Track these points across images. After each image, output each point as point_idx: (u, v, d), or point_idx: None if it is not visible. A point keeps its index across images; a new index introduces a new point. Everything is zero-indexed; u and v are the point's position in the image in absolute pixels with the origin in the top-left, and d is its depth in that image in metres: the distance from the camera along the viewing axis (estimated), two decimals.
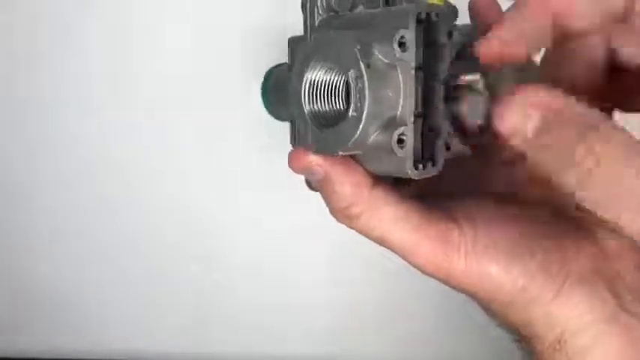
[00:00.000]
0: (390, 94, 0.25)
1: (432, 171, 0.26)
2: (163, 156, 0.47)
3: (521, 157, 0.30)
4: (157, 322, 0.49)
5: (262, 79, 0.37)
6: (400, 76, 0.25)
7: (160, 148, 0.47)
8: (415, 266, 0.28)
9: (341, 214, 0.28)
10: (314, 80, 0.28)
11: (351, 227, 0.29)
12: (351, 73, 0.25)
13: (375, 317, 0.45)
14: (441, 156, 0.26)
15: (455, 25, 0.27)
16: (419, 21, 0.25)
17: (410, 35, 0.24)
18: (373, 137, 0.26)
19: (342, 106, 0.27)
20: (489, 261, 0.27)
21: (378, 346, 0.46)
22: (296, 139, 0.32)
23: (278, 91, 0.36)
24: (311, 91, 0.28)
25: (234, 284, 0.48)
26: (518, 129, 0.21)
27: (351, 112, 0.25)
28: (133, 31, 0.45)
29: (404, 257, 0.28)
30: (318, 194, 0.29)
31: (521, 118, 0.21)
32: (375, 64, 0.25)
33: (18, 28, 0.45)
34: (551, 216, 0.29)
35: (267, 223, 0.47)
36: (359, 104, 0.25)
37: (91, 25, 0.45)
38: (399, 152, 0.25)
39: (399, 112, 0.25)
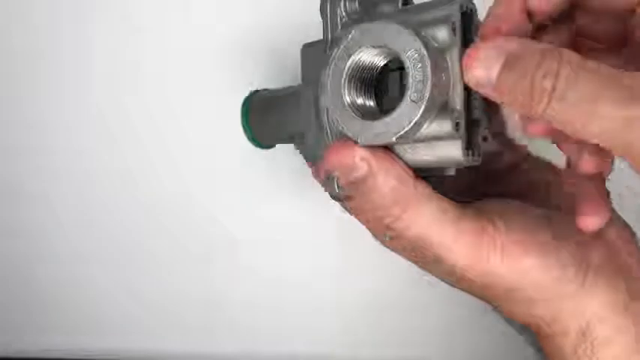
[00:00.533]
0: (444, 78, 0.24)
1: (476, 161, 0.26)
2: (163, 156, 0.47)
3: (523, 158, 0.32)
4: (156, 322, 0.48)
5: (242, 108, 0.35)
6: (449, 60, 0.25)
7: (159, 149, 0.47)
8: (449, 265, 0.27)
9: (381, 215, 0.27)
10: (360, 67, 0.27)
11: (388, 231, 0.27)
12: (410, 55, 0.24)
13: (375, 317, 0.45)
14: (481, 147, 0.26)
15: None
16: (461, 10, 0.25)
17: (458, 20, 0.25)
18: (428, 124, 0.25)
19: (395, 93, 0.27)
20: (525, 254, 0.27)
21: (379, 345, 0.45)
22: (309, 152, 0.30)
23: (267, 113, 0.34)
24: (354, 79, 0.27)
25: (234, 284, 0.47)
26: (484, 75, 0.23)
27: (409, 96, 0.24)
28: (134, 30, 0.46)
29: (439, 255, 0.27)
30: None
31: (485, 63, 0.23)
32: (431, 47, 0.24)
33: (15, 28, 0.45)
34: (558, 214, 0.29)
35: (267, 223, 0.46)
36: (420, 86, 0.24)
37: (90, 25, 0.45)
38: (454, 137, 0.25)
39: (450, 98, 0.25)
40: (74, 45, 0.45)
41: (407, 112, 0.24)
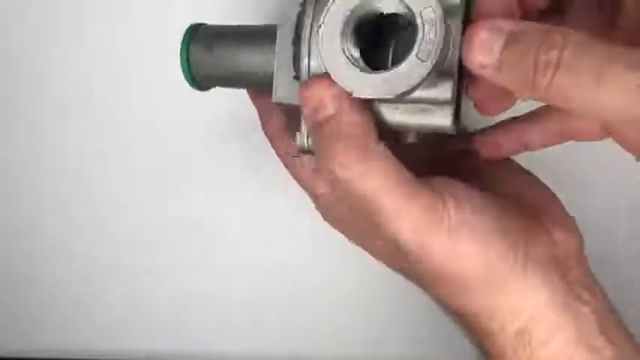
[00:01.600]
0: (447, 43, 0.24)
1: (456, 131, 0.26)
2: (161, 157, 0.46)
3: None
4: (156, 322, 0.48)
5: (183, 43, 0.32)
6: (452, 25, 0.25)
7: (158, 149, 0.46)
8: (390, 235, 0.27)
9: (335, 162, 0.26)
10: (360, 15, 0.25)
11: (341, 177, 0.26)
12: (425, 12, 0.24)
13: (374, 316, 0.45)
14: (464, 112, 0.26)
15: None
16: None
17: None
18: (421, 88, 0.24)
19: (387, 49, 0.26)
20: (470, 237, 0.27)
21: (379, 345, 0.45)
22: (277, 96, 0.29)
23: (226, 51, 0.32)
24: (352, 28, 0.25)
25: (234, 284, 0.46)
26: (486, 56, 0.23)
27: (416, 54, 0.24)
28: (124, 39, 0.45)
29: (383, 223, 0.26)
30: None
31: (487, 43, 0.23)
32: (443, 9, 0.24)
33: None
34: (511, 206, 0.29)
35: (266, 223, 0.45)
36: (429, 46, 0.24)
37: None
38: (447, 106, 0.25)
39: (447, 65, 0.25)
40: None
41: (413, 70, 0.24)
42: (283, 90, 0.28)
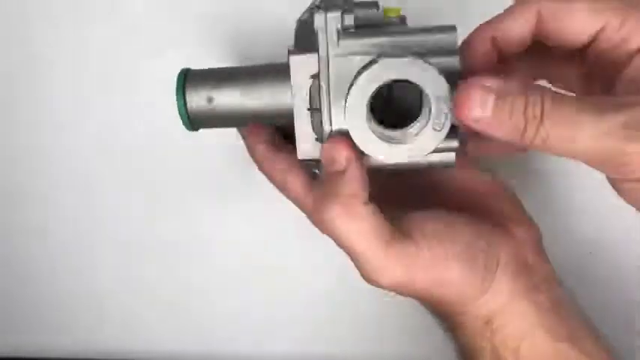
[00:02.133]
0: (452, 106, 0.28)
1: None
2: (160, 159, 0.47)
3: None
4: (155, 322, 0.49)
5: (177, 87, 0.33)
6: (454, 86, 0.28)
7: (156, 152, 0.46)
8: (376, 282, 0.31)
9: (329, 204, 0.30)
10: (380, 92, 0.29)
11: (325, 220, 0.30)
12: (439, 94, 0.28)
13: (374, 316, 0.46)
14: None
15: None
16: None
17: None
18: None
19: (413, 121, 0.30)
20: (445, 269, 0.31)
21: (379, 344, 0.47)
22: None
23: (221, 95, 0.34)
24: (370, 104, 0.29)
25: (233, 284, 0.47)
26: (479, 114, 0.26)
27: (432, 128, 0.29)
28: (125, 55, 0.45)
29: (368, 272, 0.31)
30: None
31: (479, 103, 0.26)
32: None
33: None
34: (476, 217, 0.34)
35: (265, 223, 0.46)
36: (442, 120, 0.28)
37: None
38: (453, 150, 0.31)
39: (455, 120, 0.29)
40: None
41: (430, 141, 0.29)
42: (307, 150, 0.32)
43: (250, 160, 0.37)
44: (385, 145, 0.29)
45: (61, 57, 0.45)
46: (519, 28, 0.30)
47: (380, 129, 0.29)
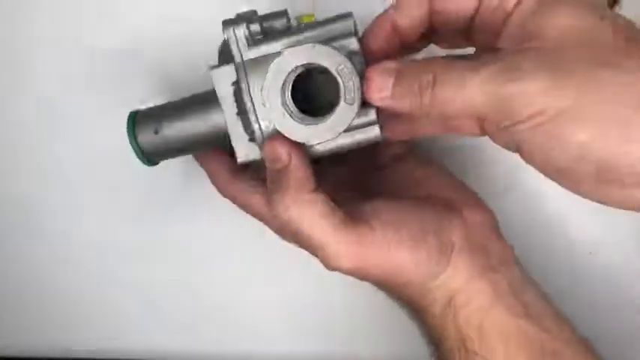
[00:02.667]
0: (359, 81, 0.31)
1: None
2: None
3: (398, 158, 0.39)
4: (153, 322, 0.49)
5: (128, 128, 0.36)
6: (357, 64, 0.31)
7: None
8: (336, 266, 0.33)
9: (280, 199, 0.32)
10: (291, 79, 0.31)
11: (279, 214, 0.33)
12: (341, 69, 0.30)
13: (374, 316, 0.47)
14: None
15: None
16: None
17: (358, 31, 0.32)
18: (357, 118, 0.31)
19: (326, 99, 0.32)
20: (399, 250, 0.33)
21: (378, 345, 0.48)
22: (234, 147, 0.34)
23: (166, 127, 0.36)
24: (286, 90, 0.31)
25: (232, 284, 0.48)
26: (383, 93, 0.29)
27: (345, 101, 0.31)
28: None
29: (327, 257, 0.33)
30: None
31: (381, 85, 0.29)
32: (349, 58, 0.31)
33: None
34: (427, 204, 0.36)
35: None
36: (352, 93, 0.31)
37: None
38: (374, 123, 0.32)
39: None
40: None
41: (345, 114, 0.31)
42: (244, 152, 0.34)
43: None
44: (304, 127, 0.31)
45: (45, 55, 0.47)
46: (413, 13, 0.32)
47: (300, 114, 0.32)
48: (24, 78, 0.47)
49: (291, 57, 0.31)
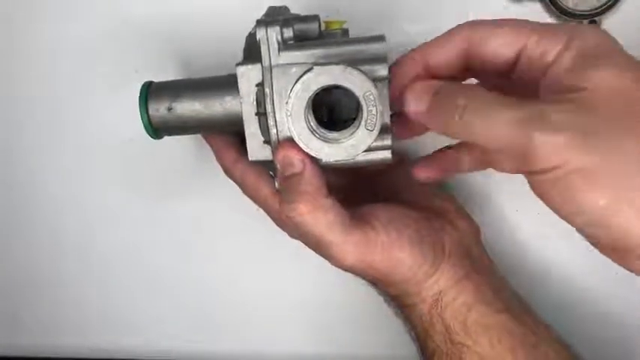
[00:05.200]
0: (381, 107, 0.31)
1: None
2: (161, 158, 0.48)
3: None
4: (152, 322, 0.50)
5: (140, 98, 0.36)
6: (384, 89, 0.32)
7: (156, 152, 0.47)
8: (341, 262, 0.36)
9: (294, 204, 0.34)
10: (316, 97, 0.32)
11: (297, 220, 0.34)
12: (368, 94, 0.31)
13: (374, 316, 0.47)
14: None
15: None
16: None
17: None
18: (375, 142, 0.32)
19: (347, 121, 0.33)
20: (399, 249, 0.36)
21: (378, 345, 0.49)
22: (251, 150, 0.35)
23: (181, 105, 0.36)
24: (311, 107, 0.32)
25: (231, 284, 0.49)
26: (419, 107, 0.31)
27: (365, 126, 0.31)
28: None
29: (335, 254, 0.35)
30: None
31: (420, 98, 0.31)
32: (375, 84, 0.31)
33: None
34: (422, 210, 0.39)
35: (263, 223, 0.45)
36: (373, 119, 0.31)
37: None
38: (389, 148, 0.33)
39: (385, 119, 0.32)
40: None
41: (364, 138, 0.31)
42: (256, 152, 0.35)
43: None
44: (325, 144, 0.32)
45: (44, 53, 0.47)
46: (447, 54, 0.33)
47: (320, 130, 0.32)
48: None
49: (321, 76, 0.31)
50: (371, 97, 0.30)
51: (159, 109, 0.36)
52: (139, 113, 0.36)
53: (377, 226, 0.36)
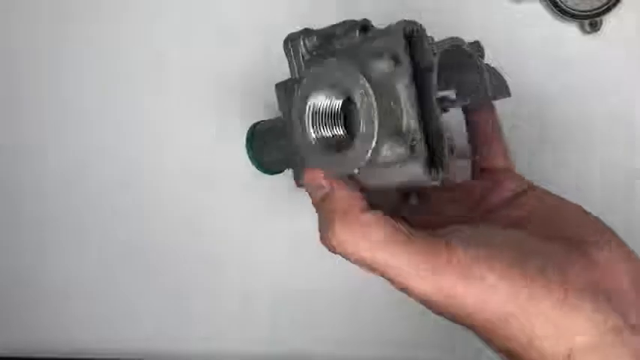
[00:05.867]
0: (393, 105, 0.26)
1: (442, 175, 0.26)
2: (159, 157, 0.48)
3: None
4: (151, 321, 0.49)
5: (245, 141, 0.36)
6: (398, 86, 0.26)
7: (158, 149, 0.48)
8: (405, 288, 0.27)
9: (334, 236, 0.28)
10: (318, 107, 0.29)
11: (332, 246, 0.29)
12: (356, 91, 0.27)
13: (374, 316, 0.46)
14: (448, 159, 0.26)
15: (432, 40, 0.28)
16: (406, 36, 0.26)
17: (401, 48, 0.26)
18: (385, 151, 0.27)
19: (343, 130, 0.30)
20: (488, 270, 0.25)
21: (379, 345, 0.47)
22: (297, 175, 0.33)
23: (267, 143, 0.35)
24: (315, 118, 0.29)
25: (229, 283, 0.48)
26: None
27: (362, 129, 0.27)
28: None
29: (395, 277, 0.27)
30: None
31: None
32: (376, 80, 0.27)
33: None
34: (535, 235, 0.28)
35: (262, 222, 0.46)
36: (369, 118, 0.27)
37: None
38: (413, 159, 0.26)
39: (404, 122, 0.26)
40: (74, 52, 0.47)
41: (362, 145, 0.27)
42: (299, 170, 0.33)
43: None
44: (324, 156, 0.29)
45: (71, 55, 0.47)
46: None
47: (324, 142, 0.30)
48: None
49: (312, 81, 0.29)
50: (362, 92, 0.27)
51: (256, 148, 0.36)
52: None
53: (452, 241, 0.26)
